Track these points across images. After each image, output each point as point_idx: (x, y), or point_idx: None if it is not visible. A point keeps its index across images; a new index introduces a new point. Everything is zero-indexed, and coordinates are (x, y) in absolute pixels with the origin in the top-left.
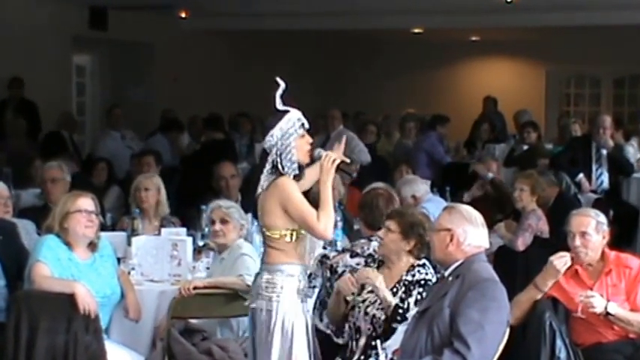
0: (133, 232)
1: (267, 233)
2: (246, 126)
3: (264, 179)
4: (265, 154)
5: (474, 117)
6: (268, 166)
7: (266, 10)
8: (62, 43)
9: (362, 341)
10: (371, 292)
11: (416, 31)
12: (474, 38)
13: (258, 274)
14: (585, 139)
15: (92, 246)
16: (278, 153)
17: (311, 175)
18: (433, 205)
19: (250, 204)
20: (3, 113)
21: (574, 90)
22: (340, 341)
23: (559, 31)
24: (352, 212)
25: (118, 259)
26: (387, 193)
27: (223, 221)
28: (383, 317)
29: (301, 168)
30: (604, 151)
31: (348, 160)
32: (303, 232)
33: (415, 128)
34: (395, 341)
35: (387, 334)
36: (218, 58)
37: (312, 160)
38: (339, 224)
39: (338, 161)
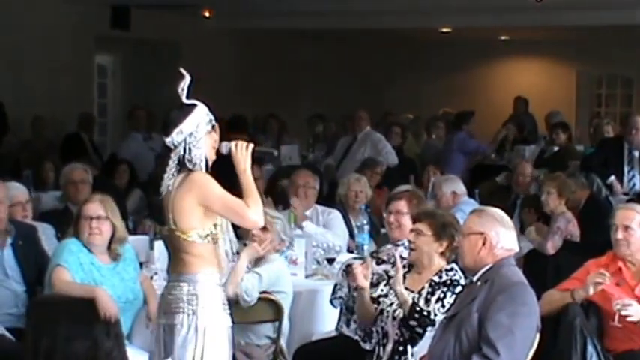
0: (156, 236)
1: (183, 237)
2: (274, 127)
3: (169, 178)
4: (168, 150)
5: (504, 117)
6: (173, 164)
7: (292, 9)
8: (84, 43)
9: (389, 346)
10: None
11: (444, 30)
12: (503, 37)
13: (172, 286)
14: (617, 141)
15: (112, 253)
16: (187, 149)
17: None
18: (470, 208)
19: None
20: None
21: (605, 90)
22: (367, 346)
23: (590, 30)
24: (378, 216)
25: (140, 264)
26: (417, 195)
27: (264, 228)
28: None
29: (207, 164)
30: (636, 153)
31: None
32: (219, 233)
33: (444, 129)
34: (422, 347)
35: (413, 338)
36: (243, 57)
37: (221, 156)
38: (366, 228)
39: (251, 146)
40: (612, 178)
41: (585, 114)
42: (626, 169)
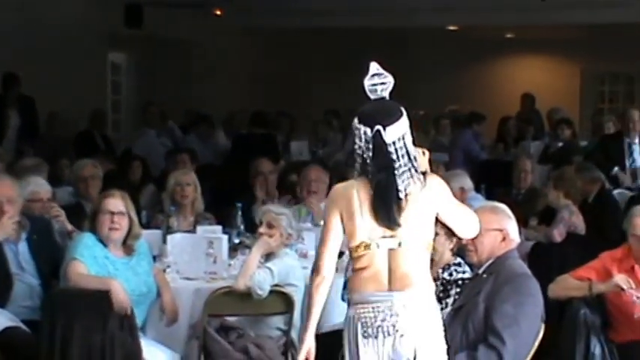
0: (168, 230)
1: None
2: (285, 125)
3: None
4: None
5: (508, 114)
6: (405, 167)
7: (299, 7)
8: (97, 41)
9: None
10: None
11: (451, 28)
12: (509, 36)
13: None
14: (617, 136)
15: (127, 248)
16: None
17: None
18: (477, 203)
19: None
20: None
21: (609, 87)
22: None
23: (594, 28)
24: None
25: (154, 257)
26: None
27: (270, 225)
28: None
29: None
30: (636, 147)
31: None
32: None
33: (450, 126)
34: None
35: None
36: (254, 55)
37: None
38: None
39: (427, 153)
40: (616, 169)
41: (589, 111)
42: (627, 163)
